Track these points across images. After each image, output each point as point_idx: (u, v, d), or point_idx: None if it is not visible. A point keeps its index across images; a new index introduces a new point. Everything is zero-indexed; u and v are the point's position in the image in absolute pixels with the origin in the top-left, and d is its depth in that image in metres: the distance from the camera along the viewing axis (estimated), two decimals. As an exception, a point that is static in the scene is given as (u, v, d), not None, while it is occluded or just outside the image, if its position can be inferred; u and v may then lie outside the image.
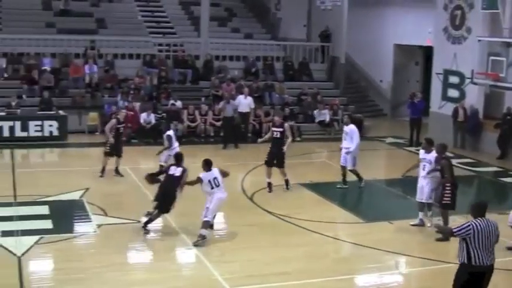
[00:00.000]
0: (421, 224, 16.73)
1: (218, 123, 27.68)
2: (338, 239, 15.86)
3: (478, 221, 10.61)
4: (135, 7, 37.44)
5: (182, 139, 26.80)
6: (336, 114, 30.11)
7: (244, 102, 27.57)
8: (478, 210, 10.83)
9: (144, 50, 32.09)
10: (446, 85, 29.63)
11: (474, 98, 28.00)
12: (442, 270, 13.67)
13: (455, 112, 27.95)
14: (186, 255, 14.61)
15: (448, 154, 25.98)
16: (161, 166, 19.42)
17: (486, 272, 10.74)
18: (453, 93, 29.20)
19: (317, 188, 20.04)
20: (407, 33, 33.97)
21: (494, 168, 24.49)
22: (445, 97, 29.69)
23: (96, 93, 28.90)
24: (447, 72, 29.44)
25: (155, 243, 15.36)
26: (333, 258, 14.89)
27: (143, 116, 26.85)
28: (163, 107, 28.29)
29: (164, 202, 15.56)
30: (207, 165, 15.55)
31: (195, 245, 14.68)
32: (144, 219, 15.71)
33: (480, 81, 26.19)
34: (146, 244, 15.24)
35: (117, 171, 21.07)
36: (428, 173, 16.39)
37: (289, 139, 19.97)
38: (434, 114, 30.18)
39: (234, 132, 26.90)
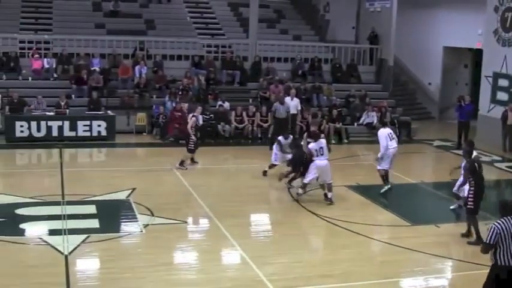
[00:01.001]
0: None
1: (265, 125, 27.68)
2: (384, 242, 15.76)
3: (502, 220, 10.53)
4: (184, 8, 37.67)
5: (229, 140, 27.02)
6: (383, 116, 29.90)
7: (291, 104, 27.55)
8: (504, 209, 10.75)
9: (192, 51, 32.25)
10: (495, 88, 29.35)
11: (524, 101, 27.71)
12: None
13: (504, 115, 27.64)
14: (232, 256, 14.65)
15: (496, 157, 26.05)
16: (273, 165, 21.41)
17: None
18: (502, 96, 28.90)
19: (364, 190, 19.95)
20: (457, 35, 33.67)
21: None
22: (494, 100, 29.40)
23: (145, 94, 29.12)
24: (496, 75, 29.16)
25: (201, 243, 15.43)
26: (378, 261, 14.79)
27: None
28: (211, 108, 28.38)
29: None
30: (316, 136, 18.65)
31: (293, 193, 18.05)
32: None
33: (530, 84, 25.92)
34: (192, 244, 15.32)
35: (193, 161, 23.05)
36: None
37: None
38: (483, 117, 29.88)
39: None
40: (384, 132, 19.80)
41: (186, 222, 16.68)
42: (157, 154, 24.97)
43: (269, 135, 27.23)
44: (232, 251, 14.74)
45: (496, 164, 25.47)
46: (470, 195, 15.69)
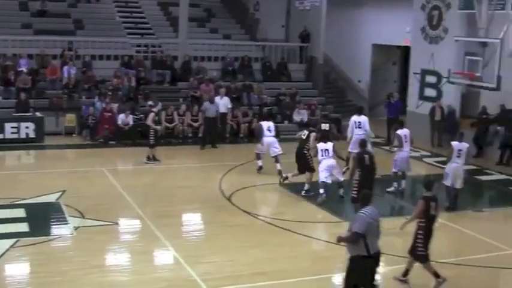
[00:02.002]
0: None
1: (196, 124, 27.62)
2: (316, 239, 15.89)
3: (366, 209, 10.81)
4: (113, 8, 37.28)
5: (160, 140, 26.85)
6: (313, 114, 30.15)
7: (221, 103, 27.53)
8: (365, 199, 11.06)
9: (122, 51, 31.97)
10: (423, 85, 29.84)
11: (451, 97, 28.22)
12: (422, 268, 13.78)
13: (432, 111, 28.17)
14: (164, 256, 14.62)
15: (425, 153, 26.55)
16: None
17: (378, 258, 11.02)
18: (430, 92, 29.39)
19: (295, 187, 20.03)
20: (385, 33, 34.08)
21: (471, 167, 24.60)
22: (422, 96, 29.90)
23: (74, 95, 28.71)
24: (424, 72, 29.64)
25: (133, 244, 15.33)
26: (310, 258, 14.90)
27: (121, 117, 26.74)
28: (141, 108, 28.18)
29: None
30: (324, 138, 19.51)
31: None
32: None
33: (457, 80, 26.36)
34: (124, 246, 15.21)
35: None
36: None
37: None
38: (412, 113, 30.35)
39: (212, 133, 26.87)
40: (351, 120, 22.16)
41: (117, 223, 16.54)
42: (88, 155, 24.68)
43: (200, 135, 27.21)
44: (165, 252, 14.71)
45: (425, 159, 25.94)
46: (354, 185, 16.82)
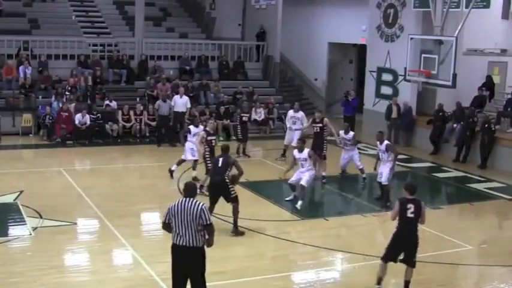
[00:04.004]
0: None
1: (153, 123, 27.57)
2: (275, 237, 15.92)
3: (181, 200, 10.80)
4: (69, 7, 36.94)
5: (117, 139, 26.76)
6: (271, 112, 30.26)
7: (180, 102, 27.48)
8: (185, 190, 11.04)
9: (78, 50, 31.69)
10: (379, 82, 30.10)
11: (407, 95, 28.52)
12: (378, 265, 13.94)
13: (389, 109, 28.39)
14: (123, 256, 14.56)
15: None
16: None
17: None
18: (386, 90, 29.68)
19: (254, 186, 20.08)
20: (341, 32, 34.31)
21: (428, 164, 24.91)
22: (378, 94, 30.16)
23: (30, 95, 28.49)
24: (380, 70, 29.92)
25: (91, 245, 15.24)
26: (270, 256, 14.96)
27: (78, 117, 26.59)
28: (98, 108, 28.03)
29: None
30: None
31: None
32: None
33: (413, 78, 26.60)
34: (82, 246, 15.10)
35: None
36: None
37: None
38: (368, 111, 30.62)
39: (170, 132, 26.84)
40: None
41: (76, 223, 16.45)
42: (45, 155, 24.51)
43: (156, 134, 27.17)
44: (124, 251, 14.66)
45: (382, 157, 26.16)
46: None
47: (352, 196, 20.62)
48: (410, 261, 12.42)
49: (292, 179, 18.63)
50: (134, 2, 32.80)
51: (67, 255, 14.45)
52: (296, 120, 24.12)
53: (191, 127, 21.26)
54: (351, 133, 21.83)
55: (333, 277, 14.03)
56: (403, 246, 12.42)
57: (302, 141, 19.12)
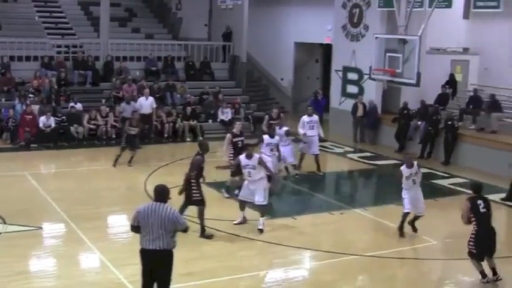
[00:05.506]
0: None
1: (119, 125, 27.38)
2: (243, 237, 15.91)
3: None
4: (32, 7, 36.56)
5: (83, 142, 26.54)
6: (237, 113, 30.24)
7: (146, 103, 27.36)
8: (156, 195, 11.15)
9: (42, 51, 31.37)
10: (345, 81, 30.22)
11: (372, 93, 28.70)
12: (347, 262, 13.97)
13: (355, 108, 28.56)
14: (90, 259, 14.44)
15: (348, 149, 27.00)
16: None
17: None
18: (352, 89, 29.81)
19: (220, 186, 19.99)
20: (307, 31, 34.39)
21: (393, 161, 25.00)
22: (344, 93, 30.27)
23: (-8, 97, 28.23)
24: (346, 69, 30.03)
25: (58, 249, 15.09)
26: (238, 256, 14.89)
27: (42, 120, 26.33)
28: (63, 110, 27.79)
29: None
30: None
31: None
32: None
33: (378, 77, 26.62)
34: (49, 251, 14.96)
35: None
36: None
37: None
38: (335, 110, 30.74)
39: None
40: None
41: (41, 228, 16.26)
42: (8, 159, 24.13)
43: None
44: (91, 255, 14.55)
45: (349, 155, 26.36)
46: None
47: (319, 194, 20.67)
48: (493, 253, 13.39)
49: (243, 195, 16.77)
50: (99, 2, 32.60)
51: (33, 260, 14.29)
52: (314, 125, 22.60)
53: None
54: (284, 128, 21.49)
55: (302, 275, 14.09)
56: (489, 242, 13.30)
57: (251, 145, 17.75)
